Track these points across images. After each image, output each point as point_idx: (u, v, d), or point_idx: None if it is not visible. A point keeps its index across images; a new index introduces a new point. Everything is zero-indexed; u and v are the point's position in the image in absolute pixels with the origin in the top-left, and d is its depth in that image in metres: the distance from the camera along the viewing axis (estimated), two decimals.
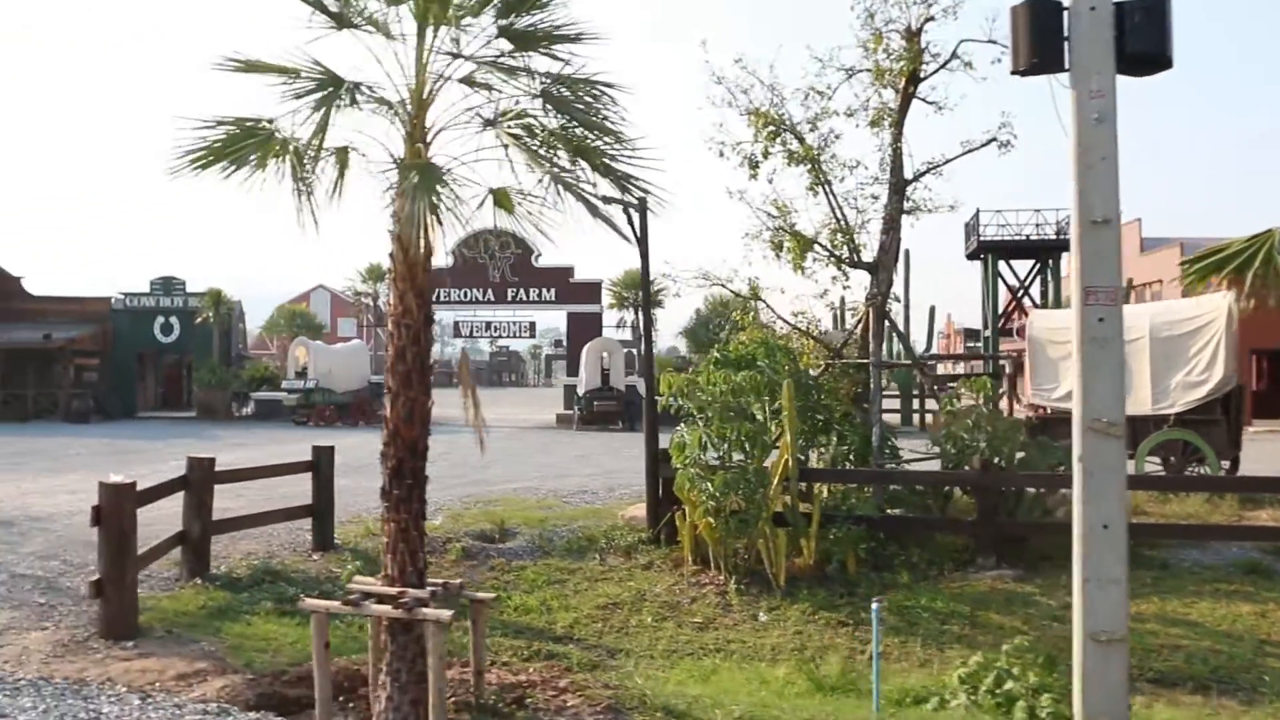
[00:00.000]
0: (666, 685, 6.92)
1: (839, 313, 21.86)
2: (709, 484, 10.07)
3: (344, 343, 36.08)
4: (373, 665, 5.69)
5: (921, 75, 13.05)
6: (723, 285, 13.32)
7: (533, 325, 36.49)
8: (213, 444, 25.18)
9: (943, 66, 13.05)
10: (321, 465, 10.97)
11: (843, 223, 13.03)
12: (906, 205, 13.27)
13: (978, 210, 35.41)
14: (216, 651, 6.85)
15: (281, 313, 38.22)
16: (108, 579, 7.04)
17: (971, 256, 36.71)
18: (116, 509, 7.12)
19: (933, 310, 36.17)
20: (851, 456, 12.19)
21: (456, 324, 36.65)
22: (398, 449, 5.31)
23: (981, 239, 34.96)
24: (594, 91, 5.33)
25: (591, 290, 36.27)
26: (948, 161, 13.26)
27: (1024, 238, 34.97)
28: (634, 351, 38.64)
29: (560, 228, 6.37)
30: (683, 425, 10.98)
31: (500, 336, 36.80)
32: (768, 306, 13.47)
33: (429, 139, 5.57)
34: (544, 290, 36.03)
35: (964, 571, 10.67)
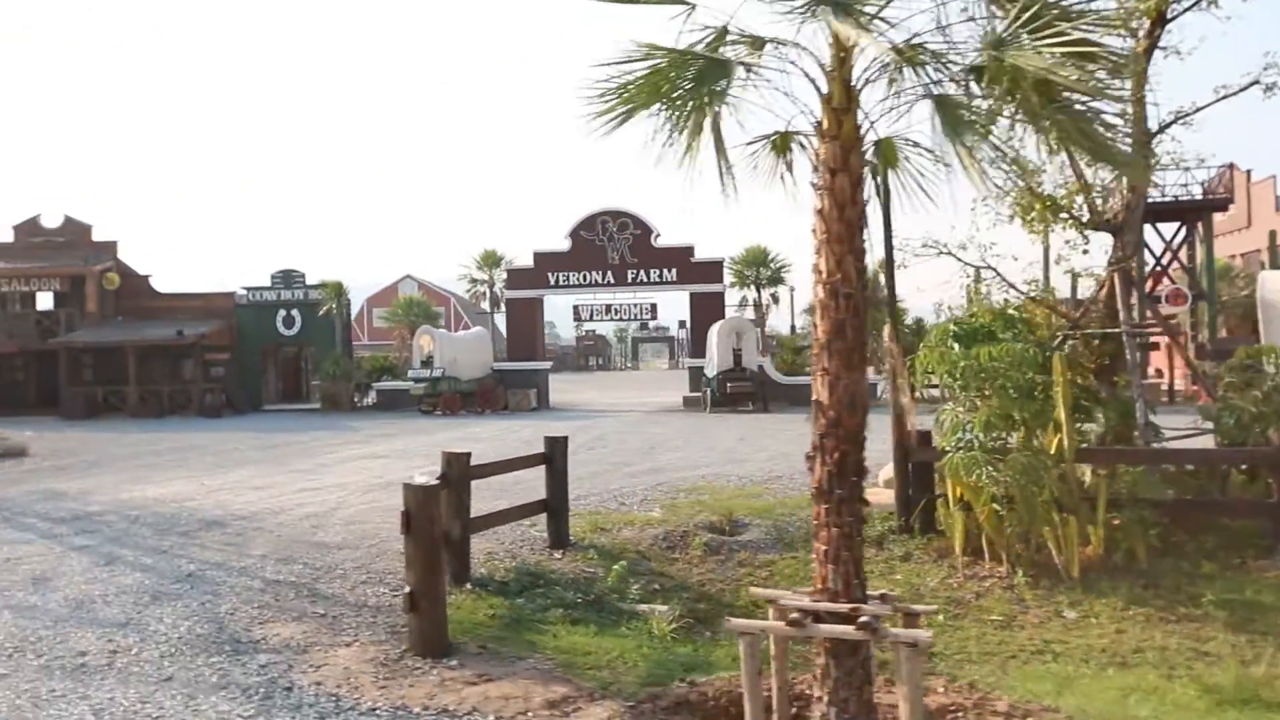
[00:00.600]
0: (1063, 698, 6.06)
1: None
2: (993, 469, 9.15)
3: (467, 330, 35.80)
4: (777, 690, 4.96)
5: (1169, 15, 11.87)
6: (952, 255, 12.35)
7: (654, 307, 35.84)
8: (356, 435, 25.03)
9: (1192, 5, 11.86)
10: (556, 458, 10.34)
11: (1083, 181, 11.95)
12: (1152, 160, 12.13)
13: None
14: (553, 670, 6.19)
15: (400, 302, 38.12)
16: (420, 591, 6.43)
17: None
18: (427, 514, 6.51)
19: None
20: (1109, 434, 11.19)
21: (576, 308, 36.15)
22: (839, 441, 4.54)
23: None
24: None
25: (713, 269, 35.41)
26: (1199, 110, 12.09)
27: (1171, 199, 33.02)
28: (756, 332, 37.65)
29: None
30: (951, 404, 10.06)
31: (620, 319, 36.18)
32: (998, 275, 12.46)
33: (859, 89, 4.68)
34: (664, 270, 35.29)
35: (1272, 559, 9.60)
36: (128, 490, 15.07)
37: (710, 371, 31.97)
